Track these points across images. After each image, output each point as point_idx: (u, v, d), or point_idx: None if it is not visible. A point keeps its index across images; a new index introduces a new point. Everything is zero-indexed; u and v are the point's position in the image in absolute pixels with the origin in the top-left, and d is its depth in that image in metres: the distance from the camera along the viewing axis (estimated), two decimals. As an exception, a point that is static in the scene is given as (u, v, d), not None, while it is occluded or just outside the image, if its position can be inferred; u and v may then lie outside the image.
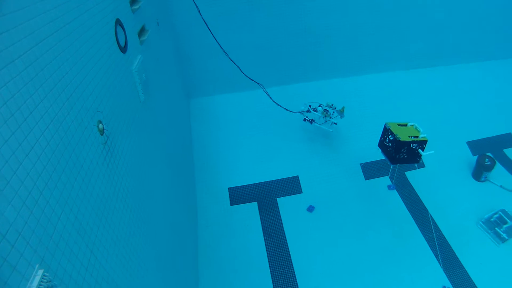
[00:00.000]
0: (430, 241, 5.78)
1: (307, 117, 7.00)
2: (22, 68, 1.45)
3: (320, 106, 6.89)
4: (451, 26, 7.81)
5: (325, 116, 6.81)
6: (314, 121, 6.95)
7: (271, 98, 6.78)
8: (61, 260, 1.56)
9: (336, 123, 6.82)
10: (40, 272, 1.38)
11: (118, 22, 2.78)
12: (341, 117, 6.77)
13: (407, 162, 4.90)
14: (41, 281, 1.37)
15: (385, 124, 5.08)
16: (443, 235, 5.88)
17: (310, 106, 6.94)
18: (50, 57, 1.68)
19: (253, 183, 6.76)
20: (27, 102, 1.46)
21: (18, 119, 1.38)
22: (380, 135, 5.27)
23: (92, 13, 2.28)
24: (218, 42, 6.21)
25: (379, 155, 5.71)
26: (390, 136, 4.92)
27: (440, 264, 5.49)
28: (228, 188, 6.67)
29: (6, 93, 1.33)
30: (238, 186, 6.70)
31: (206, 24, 6.01)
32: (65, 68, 1.82)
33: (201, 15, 5.91)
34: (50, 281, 1.42)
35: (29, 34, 1.54)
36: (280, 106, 6.86)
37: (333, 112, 6.80)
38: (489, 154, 6.93)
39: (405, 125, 5.04)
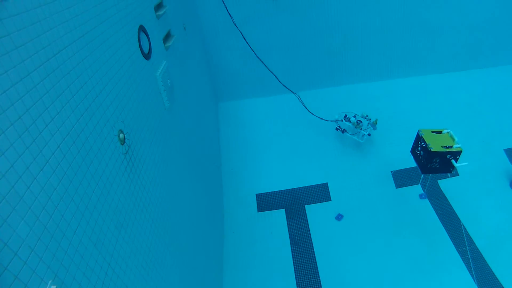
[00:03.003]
0: (463, 254, 5.51)
1: (339, 126, 6.97)
2: (38, 81, 1.43)
3: (354, 116, 6.85)
4: (486, 26, 7.47)
5: (356, 127, 6.74)
6: (346, 131, 6.90)
7: (306, 107, 6.82)
8: (76, 274, 1.54)
9: (369, 135, 6.71)
10: (53, 288, 1.36)
11: (142, 29, 2.77)
12: (374, 129, 6.69)
13: (439, 172, 4.69)
14: (54, 297, 1.35)
15: (418, 131, 4.89)
16: (478, 249, 5.57)
17: (345, 116, 6.89)
18: (67, 68, 1.66)
19: (282, 189, 6.68)
20: (43, 115, 1.44)
21: (32, 133, 1.36)
22: (413, 141, 5.09)
23: (113, 21, 2.26)
24: (253, 48, 6.22)
25: (410, 163, 5.52)
26: (423, 143, 4.73)
27: (474, 280, 5.21)
28: (256, 194, 6.62)
29: (21, 107, 1.31)
30: (266, 193, 6.64)
31: (239, 30, 6.05)
32: (83, 78, 1.79)
33: (233, 21, 5.94)
34: (63, 297, 1.40)
35: (46, 46, 1.52)
36: (315, 115, 6.83)
37: (367, 124, 6.72)
38: (529, 162, 6.59)
39: (440, 132, 4.82)
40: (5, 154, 1.20)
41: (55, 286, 1.37)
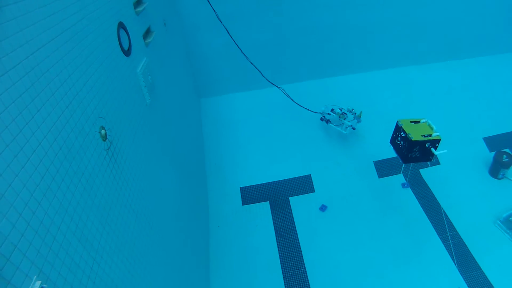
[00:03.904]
0: (445, 240, 5.66)
1: (324, 117, 7.06)
2: (16, 79, 1.43)
3: (340, 109, 6.95)
4: (465, 18, 7.60)
5: (340, 117, 6.88)
6: (330, 121, 7.00)
7: (292, 100, 6.91)
8: (61, 270, 1.55)
9: (354, 128, 6.82)
10: (38, 283, 1.37)
11: (121, 26, 2.77)
12: (358, 121, 6.79)
13: (420, 161, 4.78)
14: (38, 293, 1.36)
15: (397, 122, 4.97)
16: (459, 235, 5.75)
17: (332, 109, 7.02)
18: (47, 66, 1.66)
19: (265, 182, 6.74)
20: (23, 113, 1.44)
21: (13, 131, 1.37)
22: (392, 132, 5.17)
23: (92, 18, 2.26)
24: (236, 43, 6.26)
25: (392, 153, 5.61)
26: (402, 134, 4.81)
27: (455, 264, 5.37)
28: (240, 188, 6.67)
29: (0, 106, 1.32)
30: (250, 186, 6.69)
31: (223, 25, 6.08)
32: (63, 76, 1.80)
33: (217, 16, 5.94)
34: (48, 292, 1.42)
35: (24, 43, 1.52)
36: (303, 107, 6.92)
37: (353, 117, 6.82)
38: (507, 150, 6.75)
39: (418, 122, 4.91)
40: (-15, 152, 1.21)
41: (40, 282, 1.38)
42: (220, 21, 5.99)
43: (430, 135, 4.57)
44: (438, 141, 4.55)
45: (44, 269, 1.44)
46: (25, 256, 1.33)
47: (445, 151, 4.54)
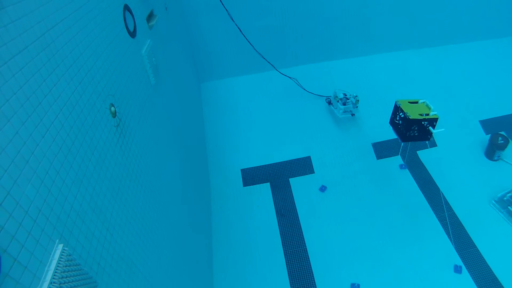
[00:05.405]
0: (442, 220, 5.80)
1: (329, 98, 7.24)
2: (35, 54, 1.51)
3: (344, 94, 7.12)
4: (463, 2, 7.64)
5: (334, 99, 7.05)
6: (331, 103, 7.17)
7: (301, 85, 7.22)
8: (78, 237, 1.64)
9: (353, 114, 6.94)
10: (60, 246, 1.46)
11: (127, 8, 2.83)
12: (354, 107, 6.90)
13: (418, 140, 4.89)
14: (62, 255, 1.45)
15: (395, 102, 5.06)
16: (456, 214, 5.88)
17: (345, 94, 7.15)
18: (61, 43, 1.74)
19: (266, 164, 6.84)
20: (41, 86, 1.52)
21: (33, 102, 1.45)
22: (391, 113, 5.27)
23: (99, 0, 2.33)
24: (240, 28, 6.31)
25: (390, 135, 5.72)
26: (400, 114, 4.91)
27: (452, 243, 5.51)
28: (241, 170, 6.76)
29: (21, 78, 1.40)
30: (250, 167, 6.78)
31: (226, 10, 6.11)
32: (76, 54, 1.88)
33: (224, 6, 5.99)
34: (69, 255, 1.51)
35: (41, 21, 1.60)
36: (310, 91, 7.19)
37: (353, 103, 6.97)
38: (502, 132, 6.84)
39: (416, 102, 5.01)
40: (11, 120, 1.29)
41: (62, 245, 1.47)
42: (229, 15, 6.08)
43: (427, 114, 4.67)
44: (435, 120, 4.65)
45: (64, 234, 1.53)
46: (48, 220, 1.42)
47: (443, 129, 4.64)
